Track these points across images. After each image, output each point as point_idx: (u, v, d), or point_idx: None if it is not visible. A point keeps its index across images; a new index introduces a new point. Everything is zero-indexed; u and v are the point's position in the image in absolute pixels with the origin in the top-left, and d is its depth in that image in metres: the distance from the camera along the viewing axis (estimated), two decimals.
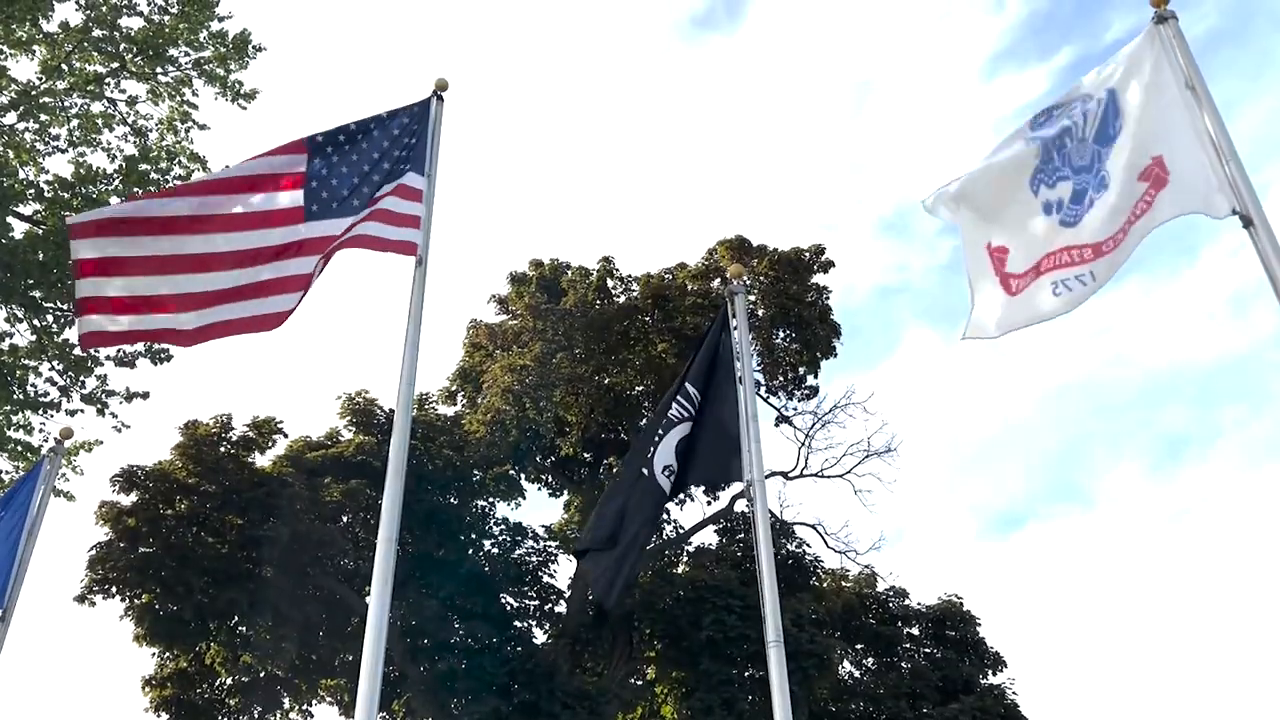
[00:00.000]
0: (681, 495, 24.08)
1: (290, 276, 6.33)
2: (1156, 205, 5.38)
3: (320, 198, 6.52)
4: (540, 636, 22.85)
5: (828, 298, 25.25)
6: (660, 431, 7.34)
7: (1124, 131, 5.70)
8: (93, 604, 18.98)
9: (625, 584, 7.55)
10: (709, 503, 25.82)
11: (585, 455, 26.22)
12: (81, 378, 15.61)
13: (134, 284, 6.00)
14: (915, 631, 24.85)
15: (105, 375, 15.82)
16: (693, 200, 63.01)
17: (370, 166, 6.82)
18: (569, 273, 26.47)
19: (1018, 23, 71.28)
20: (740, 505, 24.65)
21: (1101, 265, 5.54)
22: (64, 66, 15.48)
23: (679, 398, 7.43)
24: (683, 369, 7.97)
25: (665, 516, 26.76)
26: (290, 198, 6.42)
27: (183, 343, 6.32)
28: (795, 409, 26.12)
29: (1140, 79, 5.70)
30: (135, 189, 15.23)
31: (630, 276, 26.30)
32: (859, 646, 24.40)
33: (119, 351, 15.73)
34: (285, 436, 22.01)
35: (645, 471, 7.24)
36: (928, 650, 24.42)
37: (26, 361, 15.43)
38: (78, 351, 15.44)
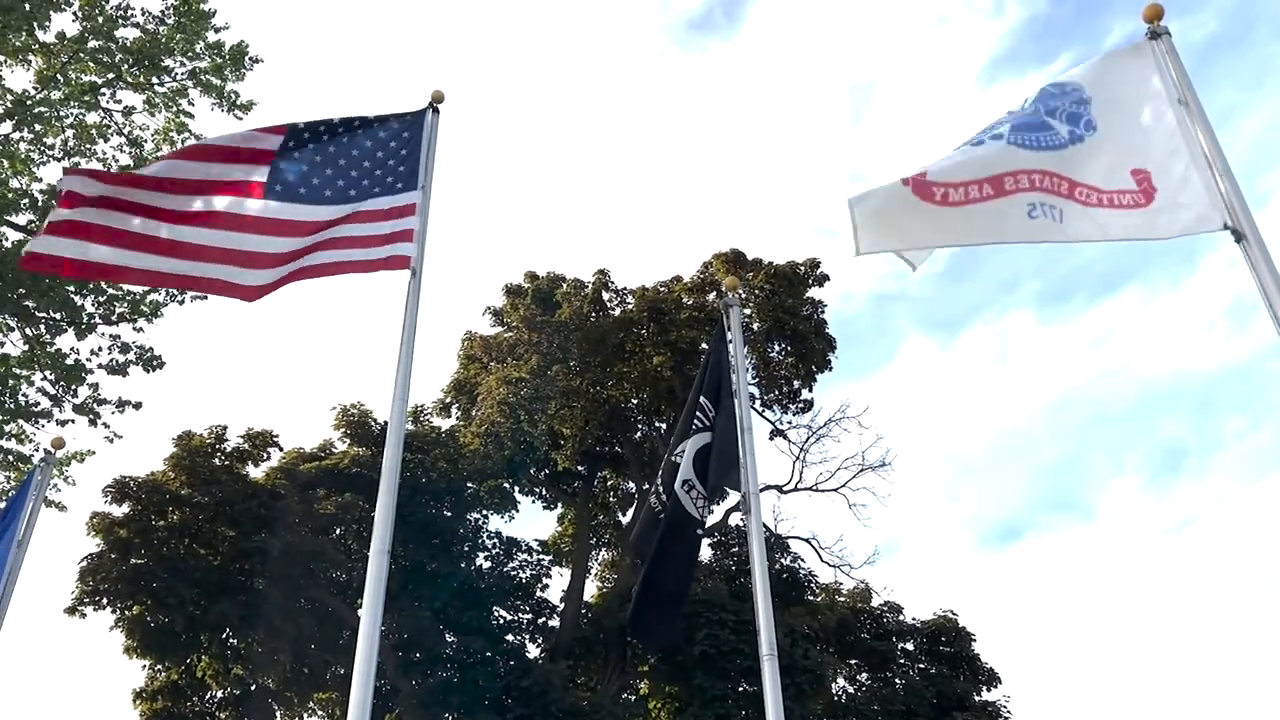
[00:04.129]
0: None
1: (259, 253, 6.38)
2: (1138, 217, 5.23)
3: (285, 180, 6.57)
4: (533, 651, 22.77)
5: (823, 311, 25.31)
6: (682, 449, 7.29)
7: (1099, 129, 5.53)
8: (83, 615, 18.89)
9: (668, 631, 7.60)
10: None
11: (580, 468, 26.16)
12: (74, 387, 15.56)
13: (102, 216, 6.14)
14: (910, 647, 24.77)
15: (98, 385, 15.79)
16: (689, 207, 63.15)
17: (351, 165, 6.82)
18: (564, 285, 26.47)
19: (1017, 27, 71.68)
20: (734, 519, 24.62)
21: (1069, 210, 5.04)
22: (60, 76, 15.48)
23: (697, 412, 7.40)
24: (683, 382, 8.00)
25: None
26: (245, 171, 6.51)
27: (140, 281, 6.59)
28: (790, 422, 26.16)
29: (1125, 93, 5.69)
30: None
31: (625, 289, 26.35)
32: (853, 662, 24.32)
33: (111, 360, 15.70)
34: (279, 448, 21.99)
35: (674, 494, 7.14)
36: (922, 666, 24.34)
37: (19, 371, 15.38)
38: (70, 361, 15.41)
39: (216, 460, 20.80)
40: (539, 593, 23.76)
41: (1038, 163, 5.08)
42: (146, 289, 15.98)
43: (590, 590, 25.35)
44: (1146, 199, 5.24)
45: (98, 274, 6.96)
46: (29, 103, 15.25)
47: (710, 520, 25.62)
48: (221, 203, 6.40)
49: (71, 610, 18.81)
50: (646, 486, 26.03)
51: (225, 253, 6.30)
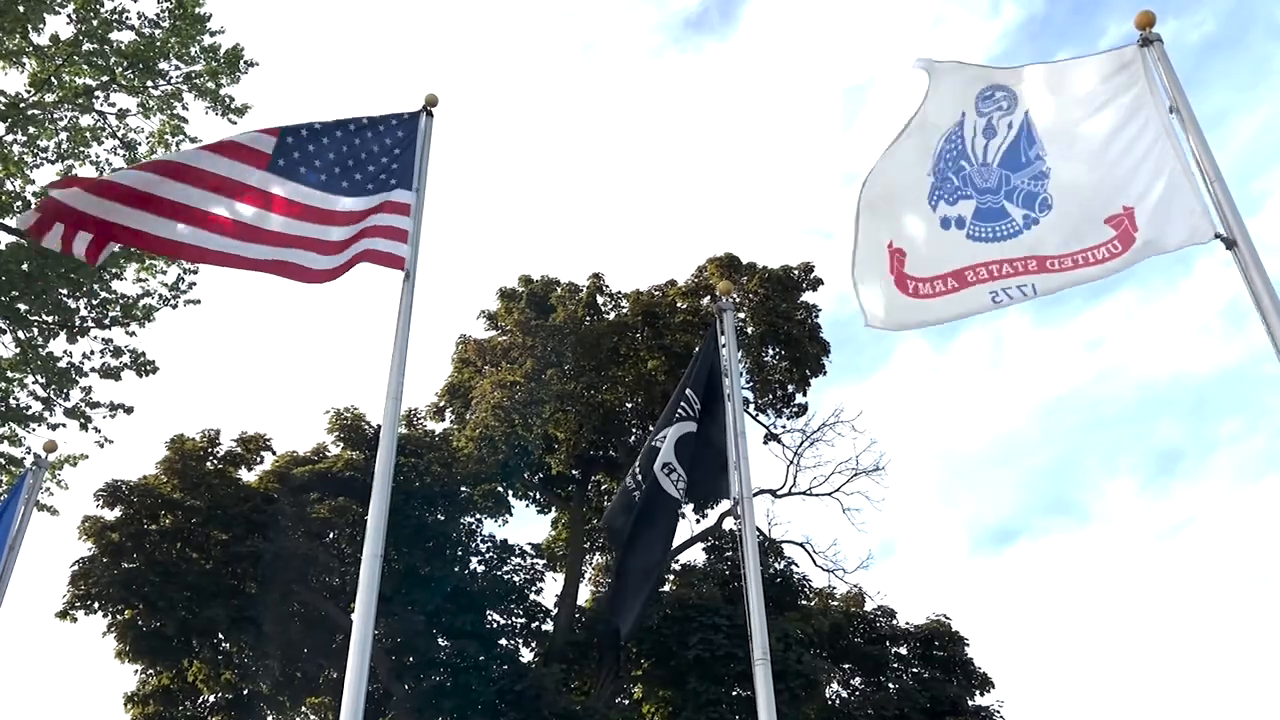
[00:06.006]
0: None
1: (294, 235, 6.33)
2: (1121, 259, 5.43)
3: (291, 157, 6.51)
4: (527, 655, 22.74)
5: (817, 315, 25.36)
6: (664, 434, 7.29)
7: (1061, 156, 5.81)
8: (75, 620, 18.83)
9: (642, 611, 7.61)
10: (697, 520, 25.79)
11: (574, 472, 26.14)
12: (65, 391, 15.50)
13: (114, 208, 5.93)
14: (903, 651, 24.77)
15: (90, 388, 15.72)
16: (684, 209, 63.05)
17: (351, 157, 6.82)
18: (558, 289, 26.48)
19: (1012, 28, 71.84)
20: (728, 523, 24.61)
21: (1042, 281, 5.67)
22: (54, 79, 15.44)
23: (682, 402, 7.41)
24: (678, 381, 7.96)
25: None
26: (243, 173, 6.37)
27: (185, 256, 6.37)
28: (784, 427, 26.16)
29: (1112, 107, 5.73)
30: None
31: (620, 293, 26.36)
32: (846, 666, 24.31)
33: (103, 364, 15.63)
34: (272, 452, 21.95)
35: (652, 476, 7.14)
36: (915, 670, 24.35)
37: (10, 374, 15.32)
38: (62, 364, 15.36)
39: (209, 464, 20.76)
40: (532, 597, 23.72)
41: (996, 254, 5.83)
42: (141, 293, 15.96)
43: (584, 594, 25.33)
44: (1125, 245, 5.48)
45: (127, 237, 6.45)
46: (22, 105, 15.21)
47: (704, 524, 25.60)
48: (228, 169, 6.28)
49: (63, 614, 18.76)
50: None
51: (258, 232, 6.25)
